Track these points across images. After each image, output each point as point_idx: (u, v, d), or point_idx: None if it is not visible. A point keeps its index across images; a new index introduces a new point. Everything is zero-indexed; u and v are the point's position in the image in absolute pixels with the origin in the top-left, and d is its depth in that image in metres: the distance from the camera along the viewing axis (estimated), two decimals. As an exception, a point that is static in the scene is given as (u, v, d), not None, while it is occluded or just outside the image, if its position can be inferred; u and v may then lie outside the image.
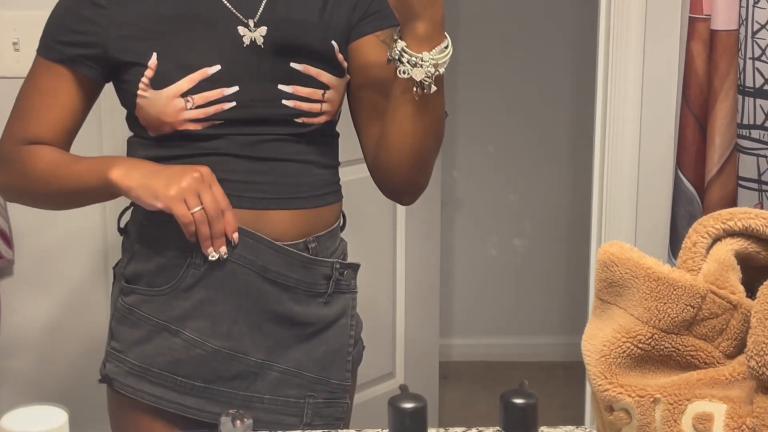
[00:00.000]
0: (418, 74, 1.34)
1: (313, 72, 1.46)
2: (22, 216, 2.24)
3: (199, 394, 1.48)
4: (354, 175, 2.22)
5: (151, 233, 1.49)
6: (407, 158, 1.46)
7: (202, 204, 1.38)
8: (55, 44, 1.49)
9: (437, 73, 1.35)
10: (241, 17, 1.45)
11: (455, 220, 3.85)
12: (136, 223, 1.52)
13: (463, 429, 1.29)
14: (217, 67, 1.42)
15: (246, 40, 1.45)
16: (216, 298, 1.47)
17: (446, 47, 1.36)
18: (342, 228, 1.63)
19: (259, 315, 1.48)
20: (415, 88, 1.36)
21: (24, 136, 1.51)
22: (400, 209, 2.96)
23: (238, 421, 0.85)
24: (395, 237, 2.96)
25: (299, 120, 1.47)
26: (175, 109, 1.42)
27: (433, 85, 1.36)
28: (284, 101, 1.45)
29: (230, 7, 1.45)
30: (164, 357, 1.48)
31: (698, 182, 2.17)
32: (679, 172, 2.20)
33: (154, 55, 1.43)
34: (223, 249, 1.42)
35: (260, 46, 1.45)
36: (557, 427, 1.27)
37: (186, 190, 1.37)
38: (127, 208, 1.57)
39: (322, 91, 1.47)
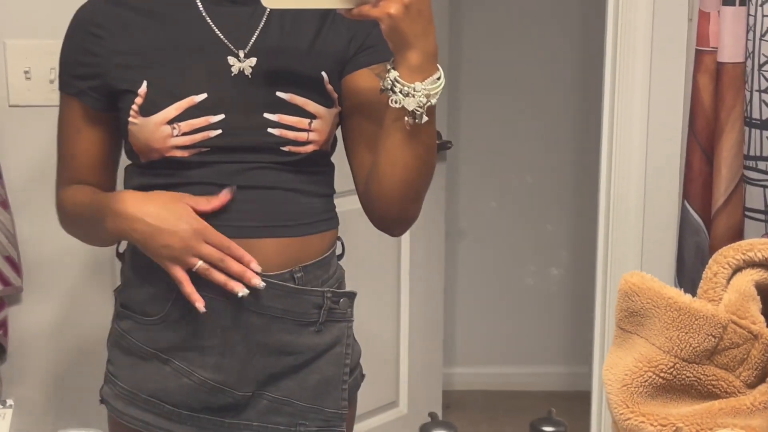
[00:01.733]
0: (410, 104, 1.36)
1: (300, 101, 1.47)
2: (30, 243, 2.26)
3: (186, 421, 1.51)
4: (357, 204, 2.23)
5: (142, 261, 1.50)
6: (397, 188, 1.46)
7: (202, 258, 1.41)
8: (68, 78, 1.55)
9: (429, 103, 1.36)
10: (232, 47, 1.47)
11: (459, 250, 3.86)
12: (130, 249, 1.55)
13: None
14: (203, 96, 1.45)
15: (234, 70, 1.47)
16: (203, 331, 1.48)
17: (438, 78, 1.37)
18: (340, 256, 1.63)
19: (248, 348, 1.49)
20: (406, 118, 1.37)
21: (67, 177, 1.59)
22: (405, 240, 2.97)
23: None
24: (399, 266, 2.98)
25: (285, 148, 1.47)
26: (162, 135, 1.44)
27: (424, 115, 1.37)
28: (270, 129, 1.46)
29: (222, 37, 1.48)
30: (153, 384, 1.51)
31: (705, 213, 2.19)
32: (685, 202, 2.22)
33: (144, 83, 1.46)
34: (240, 288, 1.43)
35: (247, 76, 1.47)
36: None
37: (179, 257, 1.41)
38: None
39: (309, 120, 1.48)
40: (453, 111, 3.56)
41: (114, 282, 2.30)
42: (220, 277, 1.42)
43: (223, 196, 1.45)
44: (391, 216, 1.53)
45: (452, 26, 3.31)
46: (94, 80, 1.51)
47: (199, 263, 1.41)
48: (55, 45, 2.18)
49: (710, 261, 1.07)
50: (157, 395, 1.51)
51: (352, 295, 1.58)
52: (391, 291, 2.96)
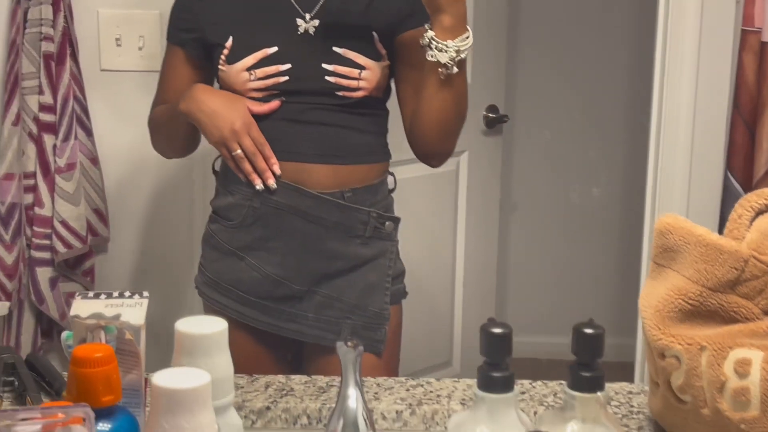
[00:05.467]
0: (442, 58, 1.67)
1: (351, 55, 1.77)
2: (118, 197, 2.45)
3: (255, 306, 1.83)
4: (414, 173, 2.37)
5: (226, 177, 1.85)
6: (433, 126, 1.78)
7: (241, 147, 1.75)
8: (172, 30, 1.89)
9: (459, 57, 1.67)
10: (300, 11, 1.78)
11: (512, 221, 3.99)
12: (220, 167, 1.89)
13: (529, 381, 1.46)
14: (275, 49, 1.77)
15: (300, 29, 1.78)
16: (270, 235, 1.81)
17: (467, 37, 1.67)
18: (392, 190, 1.92)
19: (305, 251, 1.81)
20: (440, 69, 1.68)
21: (157, 104, 1.93)
22: (461, 210, 3.11)
23: (350, 343, 1.01)
24: (455, 236, 3.09)
25: (340, 93, 1.78)
26: (242, 80, 1.78)
27: (455, 67, 1.68)
28: (327, 77, 1.77)
29: (293, 2, 1.79)
30: (230, 275, 1.85)
31: (746, 183, 2.31)
32: (728, 173, 2.34)
33: (231, 38, 1.79)
34: (259, 182, 1.77)
35: (311, 34, 1.78)
36: (612, 383, 1.42)
37: (226, 138, 1.75)
38: (219, 156, 1.88)
39: (359, 71, 1.78)
40: (510, 86, 3.69)
41: (191, 235, 2.50)
42: (247, 166, 1.77)
43: (273, 104, 1.78)
44: (429, 149, 1.86)
45: (511, 2, 3.43)
46: (194, 33, 1.84)
47: (239, 150, 1.75)
48: (144, 15, 2.40)
49: (736, 205, 1.21)
50: (233, 284, 1.84)
51: (397, 220, 1.88)
52: (446, 259, 3.09)
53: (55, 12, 2.31)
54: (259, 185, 1.77)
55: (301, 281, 1.81)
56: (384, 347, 1.84)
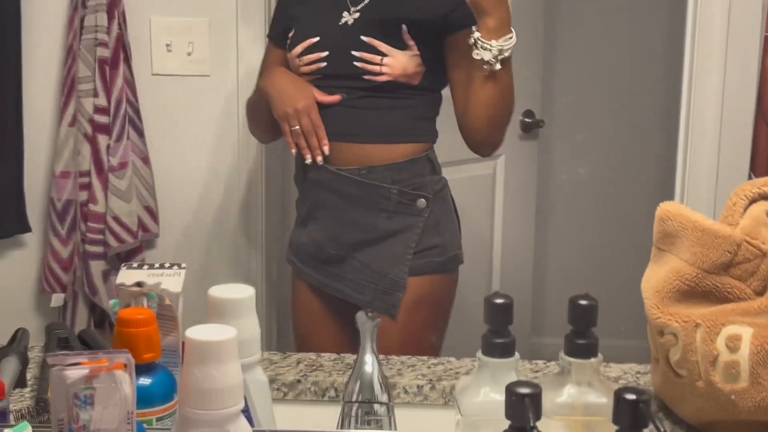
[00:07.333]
0: (486, 56, 1.85)
1: (375, 43, 1.96)
2: (167, 195, 2.58)
3: (310, 265, 2.09)
4: (451, 176, 2.47)
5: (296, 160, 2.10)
6: (480, 118, 1.95)
7: (299, 125, 1.97)
8: (270, 27, 2.21)
9: (502, 56, 1.85)
10: (348, 5, 2.00)
11: (549, 225, 4.06)
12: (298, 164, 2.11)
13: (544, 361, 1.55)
14: (317, 38, 2.00)
15: (342, 21, 1.99)
16: (314, 206, 2.06)
17: (510, 38, 1.86)
18: (432, 172, 2.03)
19: (336, 221, 2.03)
20: (485, 66, 1.86)
21: None
22: (498, 212, 3.19)
23: (370, 314, 1.12)
24: (492, 239, 3.18)
25: (366, 77, 1.96)
26: (296, 65, 2.04)
27: (498, 64, 1.86)
28: (355, 62, 1.96)
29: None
30: (296, 239, 2.12)
31: (769, 184, 2.38)
32: (752, 174, 2.41)
33: (293, 29, 2.05)
34: (309, 157, 2.00)
35: (349, 25, 1.98)
36: (623, 364, 1.52)
37: (288, 114, 1.98)
38: None
39: (381, 57, 1.95)
40: (546, 91, 3.75)
41: (235, 231, 2.62)
42: (301, 142, 1.99)
43: (334, 97, 1.99)
44: (479, 140, 2.02)
45: (547, 7, 3.51)
46: (278, 27, 2.13)
47: (297, 126, 1.98)
48: (193, 22, 2.53)
49: (732, 194, 1.30)
50: (297, 246, 2.11)
51: (428, 198, 2.01)
52: (482, 260, 3.18)
53: (110, 19, 2.44)
54: (308, 159, 1.99)
55: (336, 247, 2.03)
56: (397, 312, 1.98)
